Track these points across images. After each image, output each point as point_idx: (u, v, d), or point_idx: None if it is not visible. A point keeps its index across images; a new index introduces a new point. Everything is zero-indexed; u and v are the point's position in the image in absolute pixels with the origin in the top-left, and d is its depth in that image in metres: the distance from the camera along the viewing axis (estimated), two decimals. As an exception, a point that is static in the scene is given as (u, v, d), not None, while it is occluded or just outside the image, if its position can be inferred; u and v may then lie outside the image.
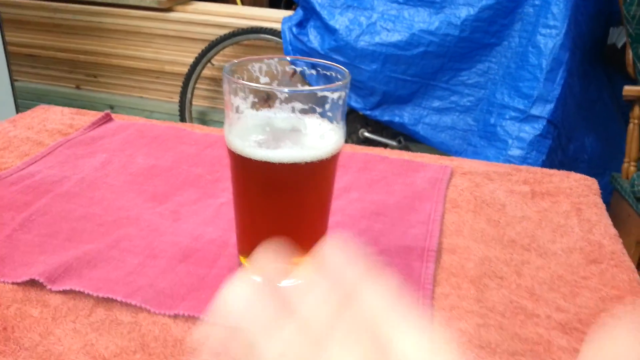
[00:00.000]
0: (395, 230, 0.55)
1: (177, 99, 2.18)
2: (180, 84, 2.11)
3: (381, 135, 1.82)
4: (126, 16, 2.27)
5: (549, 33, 1.49)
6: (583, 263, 0.53)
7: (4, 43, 1.73)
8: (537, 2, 1.53)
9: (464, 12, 1.57)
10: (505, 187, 0.66)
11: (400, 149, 1.79)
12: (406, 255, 0.51)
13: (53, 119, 0.79)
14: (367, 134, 1.83)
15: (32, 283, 0.45)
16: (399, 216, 0.58)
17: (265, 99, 0.43)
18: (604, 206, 0.64)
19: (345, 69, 0.44)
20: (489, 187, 0.66)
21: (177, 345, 0.40)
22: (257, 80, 0.46)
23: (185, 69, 2.11)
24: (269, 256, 0.26)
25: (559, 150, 1.54)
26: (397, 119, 1.71)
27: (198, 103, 2.28)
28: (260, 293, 0.24)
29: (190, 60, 2.08)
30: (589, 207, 0.63)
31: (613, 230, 0.58)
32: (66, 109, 0.83)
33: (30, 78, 2.55)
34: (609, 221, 0.61)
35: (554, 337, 0.43)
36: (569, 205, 0.63)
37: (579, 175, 0.70)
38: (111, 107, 2.42)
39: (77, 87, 2.51)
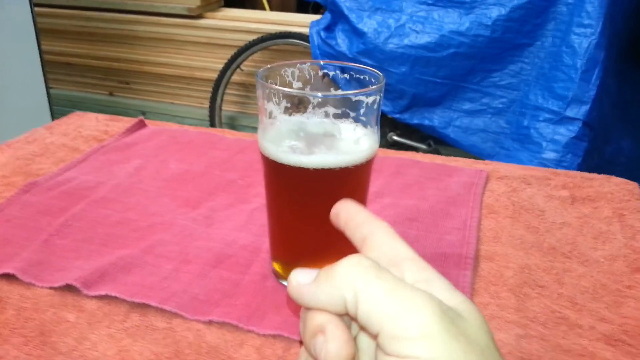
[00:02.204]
0: (430, 237, 0.54)
1: (207, 104, 2.20)
2: (210, 89, 2.14)
3: (410, 139, 1.80)
4: (157, 24, 2.30)
5: (583, 32, 1.45)
6: (627, 271, 0.50)
7: (41, 52, 1.78)
8: (570, 1, 1.49)
9: (495, 12, 1.54)
10: (543, 192, 0.64)
11: (430, 152, 1.77)
12: (442, 263, 0.50)
13: (88, 126, 0.80)
14: (396, 138, 1.81)
15: (68, 288, 0.45)
16: (434, 222, 0.57)
17: (299, 104, 0.42)
18: (647, 211, 0.62)
19: (379, 72, 0.43)
20: (526, 192, 0.64)
21: (211, 352, 0.40)
22: (290, 85, 0.46)
23: (215, 75, 2.13)
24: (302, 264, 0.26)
25: (595, 153, 1.49)
26: (426, 122, 1.69)
27: (228, 108, 2.29)
28: None
29: (220, 66, 2.10)
30: (632, 213, 0.61)
31: (658, 237, 0.56)
32: (101, 116, 0.84)
33: (65, 85, 2.61)
34: (653, 227, 0.58)
35: (598, 349, 0.41)
36: (610, 210, 0.61)
37: (619, 180, 0.68)
38: (143, 113, 2.46)
39: (110, 94, 2.57)
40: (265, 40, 1.98)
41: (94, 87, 2.58)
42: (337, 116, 0.43)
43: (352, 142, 0.43)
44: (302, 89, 0.47)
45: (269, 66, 0.45)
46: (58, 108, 1.96)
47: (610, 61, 1.46)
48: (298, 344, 0.41)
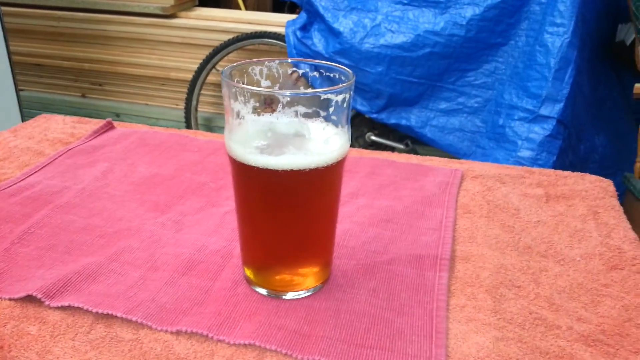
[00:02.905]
0: (406, 238, 0.53)
1: (182, 105, 2.17)
2: (185, 90, 2.10)
3: (388, 139, 1.80)
4: (130, 23, 2.26)
5: (556, 31, 1.46)
6: (603, 270, 0.50)
7: (9, 53, 1.73)
8: (543, 0, 1.50)
9: (469, 12, 1.55)
10: (518, 191, 0.64)
11: (408, 152, 1.77)
12: (418, 264, 0.49)
13: (54, 128, 0.78)
14: (373, 138, 1.81)
15: (30, 299, 0.43)
16: (409, 223, 0.56)
17: (267, 103, 0.41)
18: (621, 209, 0.62)
19: (349, 69, 0.42)
20: (501, 191, 0.64)
21: (179, 364, 0.38)
22: (258, 84, 0.45)
23: (190, 76, 2.10)
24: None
25: (570, 150, 1.51)
26: (403, 122, 1.69)
27: (203, 109, 2.26)
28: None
29: (195, 66, 2.07)
30: (606, 210, 0.61)
31: (633, 235, 0.56)
32: (68, 118, 0.82)
33: (36, 87, 2.55)
34: (627, 224, 0.58)
35: (576, 350, 0.41)
36: (585, 208, 0.61)
37: (594, 177, 0.68)
38: (117, 115, 2.42)
39: (83, 96, 2.51)
40: (241, 40, 1.96)
41: (65, 89, 2.52)
42: (307, 115, 0.41)
43: (322, 142, 0.41)
44: (271, 87, 0.45)
45: (235, 64, 0.43)
46: (28, 111, 1.91)
47: (583, 60, 1.48)
48: (271, 353, 0.39)
